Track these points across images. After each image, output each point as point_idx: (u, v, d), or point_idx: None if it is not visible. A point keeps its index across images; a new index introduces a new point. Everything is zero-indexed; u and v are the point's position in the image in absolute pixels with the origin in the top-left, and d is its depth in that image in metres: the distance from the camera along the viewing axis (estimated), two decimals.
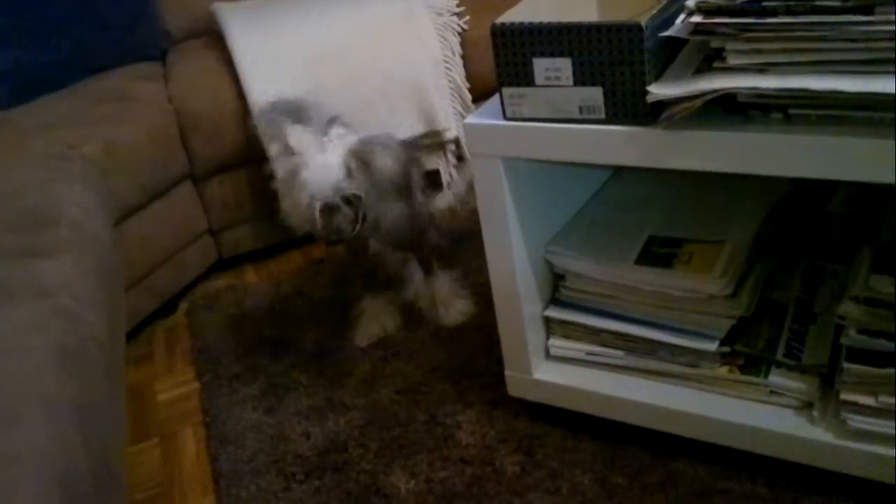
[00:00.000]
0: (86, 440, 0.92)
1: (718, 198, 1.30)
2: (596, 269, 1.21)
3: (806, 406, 1.08)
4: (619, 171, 1.45)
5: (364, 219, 1.38)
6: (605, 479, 1.17)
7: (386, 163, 1.39)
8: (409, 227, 1.50)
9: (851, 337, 1.01)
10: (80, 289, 1.18)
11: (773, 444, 1.08)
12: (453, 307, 1.60)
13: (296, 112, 1.40)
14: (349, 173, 1.35)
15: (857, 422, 1.01)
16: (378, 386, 1.47)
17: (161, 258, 1.82)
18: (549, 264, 1.26)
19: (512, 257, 1.17)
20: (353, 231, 1.36)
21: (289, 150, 1.38)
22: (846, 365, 1.01)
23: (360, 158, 1.36)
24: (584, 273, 1.23)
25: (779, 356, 1.11)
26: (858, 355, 1.00)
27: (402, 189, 1.46)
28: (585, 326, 1.23)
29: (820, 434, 1.04)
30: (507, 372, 1.29)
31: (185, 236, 1.88)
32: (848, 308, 1.01)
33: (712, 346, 1.12)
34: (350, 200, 1.35)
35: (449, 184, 2.00)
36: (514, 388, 1.30)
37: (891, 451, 0.99)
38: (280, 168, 1.41)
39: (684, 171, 0.99)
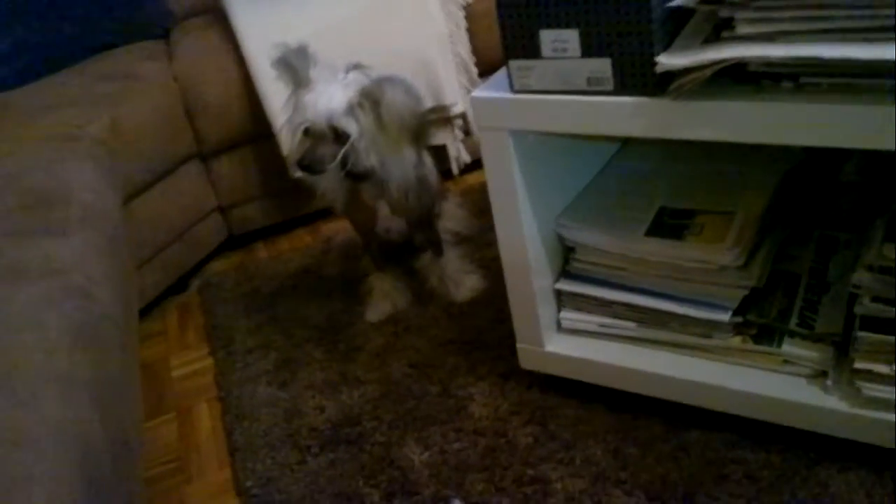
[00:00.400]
0: (102, 417, 0.93)
1: (729, 168, 1.29)
2: (606, 241, 1.21)
3: (819, 375, 1.08)
4: (628, 143, 1.44)
5: (347, 163, 1.32)
6: (619, 450, 1.17)
7: (396, 98, 1.30)
8: (419, 189, 1.45)
9: (865, 305, 1.00)
10: (92, 267, 1.19)
11: (786, 413, 1.08)
12: (464, 284, 1.60)
13: (306, 58, 1.36)
14: (352, 111, 1.31)
15: (872, 390, 1.00)
16: (390, 360, 1.48)
17: (171, 236, 1.83)
18: (560, 237, 1.25)
19: (522, 231, 1.16)
20: (324, 169, 1.29)
21: (305, 83, 1.33)
22: (860, 333, 1.00)
23: (371, 99, 1.31)
24: (594, 245, 1.22)
25: (792, 325, 1.10)
26: (872, 324, 1.00)
27: (414, 135, 1.38)
28: (596, 298, 1.23)
29: (834, 403, 1.04)
30: (518, 345, 1.29)
31: (195, 214, 1.89)
32: (861, 276, 1.00)
33: (725, 317, 1.11)
34: (339, 135, 1.30)
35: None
36: (527, 361, 1.30)
37: None
38: (288, 106, 1.38)
39: (694, 142, 0.99)
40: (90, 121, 1.66)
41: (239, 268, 1.91)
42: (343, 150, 1.32)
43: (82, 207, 1.33)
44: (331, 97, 1.31)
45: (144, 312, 1.77)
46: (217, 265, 1.97)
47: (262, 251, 2.00)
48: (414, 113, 1.34)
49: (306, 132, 1.32)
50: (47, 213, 1.29)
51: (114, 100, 1.75)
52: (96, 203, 1.38)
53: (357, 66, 1.37)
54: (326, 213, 2.03)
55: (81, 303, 1.09)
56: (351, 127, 1.32)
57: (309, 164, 1.31)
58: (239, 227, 2.00)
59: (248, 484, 1.27)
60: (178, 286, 1.88)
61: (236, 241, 2.02)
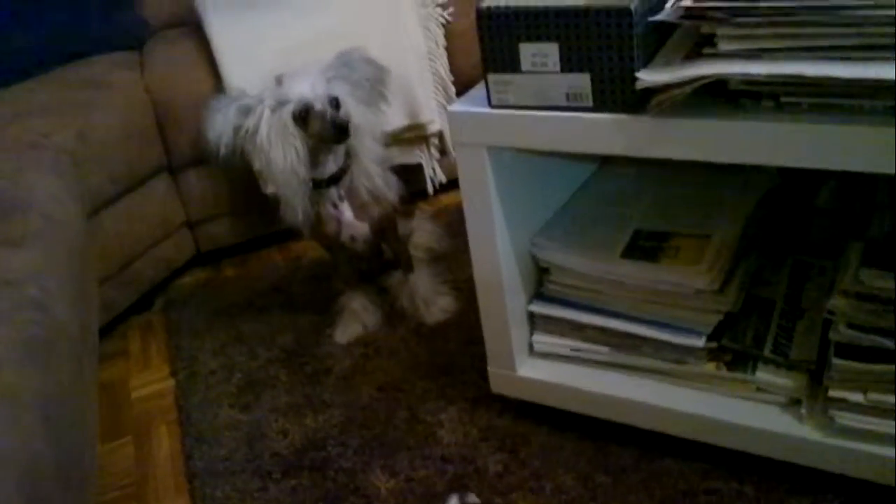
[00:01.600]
0: (52, 436, 0.88)
1: (706, 191, 1.28)
2: (581, 262, 1.19)
3: (793, 403, 1.06)
4: (605, 164, 1.42)
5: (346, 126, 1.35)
6: (589, 479, 1.14)
7: (363, 59, 1.43)
8: (383, 184, 1.45)
9: (840, 332, 0.99)
10: (49, 280, 1.14)
11: (760, 442, 1.05)
12: (435, 305, 1.57)
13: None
14: (328, 81, 1.37)
15: (846, 419, 0.99)
16: (358, 383, 1.44)
17: (137, 251, 1.78)
18: (534, 258, 1.23)
19: (496, 250, 1.14)
20: (343, 131, 1.33)
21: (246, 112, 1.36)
22: (835, 361, 0.99)
23: (341, 64, 1.39)
24: (569, 267, 1.20)
25: (766, 352, 1.09)
26: (847, 351, 0.98)
27: (377, 99, 1.46)
28: (570, 322, 1.21)
29: (808, 432, 1.02)
30: (490, 369, 1.26)
31: (162, 229, 1.84)
32: (837, 302, 0.99)
33: (699, 342, 1.09)
34: (333, 102, 1.35)
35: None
36: (498, 385, 1.27)
37: (880, 450, 0.97)
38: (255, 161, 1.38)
39: (671, 164, 0.97)
40: (57, 130, 1.62)
41: (206, 286, 1.87)
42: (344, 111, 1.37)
43: (42, 218, 1.28)
44: (312, 79, 1.35)
45: (107, 330, 1.71)
46: (183, 282, 1.92)
47: (230, 269, 1.95)
48: (380, 71, 1.44)
49: (306, 113, 1.33)
50: (5, 223, 1.24)
51: (83, 109, 1.71)
52: (58, 214, 1.34)
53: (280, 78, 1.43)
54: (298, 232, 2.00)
55: (35, 316, 1.04)
56: (339, 90, 1.37)
57: (345, 127, 1.33)
58: (207, 243, 1.95)
59: None
60: (143, 303, 1.83)
61: (204, 259, 1.98)
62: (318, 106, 1.33)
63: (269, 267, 1.91)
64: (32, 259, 1.17)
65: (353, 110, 1.38)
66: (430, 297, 1.57)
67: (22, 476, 0.78)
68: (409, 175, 2.00)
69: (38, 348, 0.99)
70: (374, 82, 1.44)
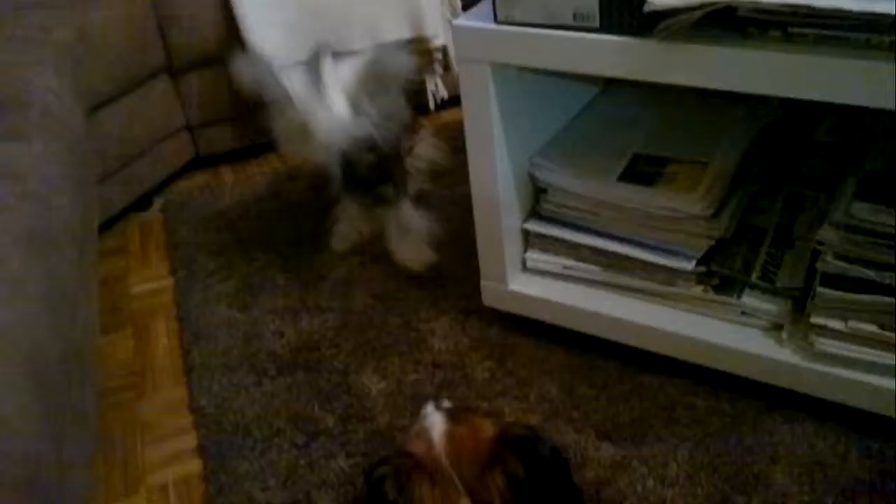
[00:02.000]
0: (54, 324, 0.91)
1: (707, 119, 1.28)
2: (579, 184, 1.20)
3: (776, 328, 1.10)
4: (608, 87, 1.42)
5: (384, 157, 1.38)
6: (573, 389, 1.19)
7: (401, 65, 1.38)
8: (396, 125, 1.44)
9: (828, 262, 1.01)
10: (50, 173, 1.15)
11: (740, 363, 1.10)
12: (411, 254, 1.50)
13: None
14: (358, 110, 1.34)
15: (825, 345, 1.02)
16: (353, 290, 1.47)
17: (136, 152, 1.78)
18: (532, 177, 1.25)
19: (495, 167, 1.15)
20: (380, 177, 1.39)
21: (286, 100, 1.34)
22: (819, 289, 1.02)
23: (374, 78, 1.35)
24: (566, 188, 1.21)
25: (753, 278, 1.12)
26: (832, 280, 1.01)
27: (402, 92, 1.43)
28: (564, 241, 1.23)
29: (787, 355, 1.06)
30: (482, 282, 1.29)
31: (161, 131, 1.84)
32: (827, 233, 1.01)
33: (689, 265, 1.12)
34: (371, 147, 1.36)
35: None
36: (490, 298, 1.30)
37: (856, 375, 1.01)
38: (279, 119, 1.38)
39: (674, 90, 0.97)
40: (56, 25, 1.59)
41: (204, 189, 1.88)
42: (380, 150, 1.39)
43: (42, 113, 1.28)
44: (335, 120, 1.33)
45: (105, 228, 1.73)
46: (182, 185, 1.93)
47: (228, 174, 1.96)
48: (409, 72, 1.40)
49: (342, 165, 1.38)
50: (5, 117, 1.24)
51: (82, 5, 1.68)
52: (57, 109, 1.33)
53: (317, 55, 1.37)
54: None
55: (37, 209, 1.06)
56: (369, 125, 1.35)
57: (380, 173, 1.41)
58: (206, 147, 1.95)
59: (203, 403, 1.27)
60: (141, 204, 1.84)
61: (202, 162, 1.98)
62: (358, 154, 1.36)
63: (268, 173, 1.91)
64: (33, 152, 1.17)
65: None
66: (408, 246, 1.51)
67: (28, 362, 0.81)
68: (412, 90, 2.00)
69: (40, 240, 1.01)
70: (403, 82, 1.42)
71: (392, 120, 1.40)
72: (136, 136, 1.77)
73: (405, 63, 1.38)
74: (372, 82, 1.35)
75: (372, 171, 1.54)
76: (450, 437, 0.73)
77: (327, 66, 1.36)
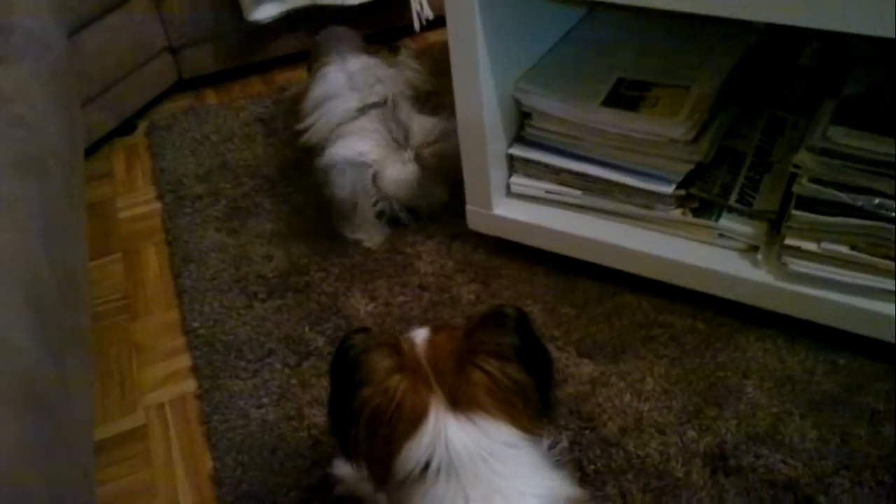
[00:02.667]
0: (48, 248, 0.93)
1: (690, 44, 1.29)
2: (563, 108, 1.21)
3: (751, 249, 1.13)
4: (592, 11, 1.41)
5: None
6: (555, 310, 1.23)
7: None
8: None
9: (803, 185, 1.04)
10: (37, 98, 1.14)
11: (716, 284, 1.13)
12: (366, 234, 1.43)
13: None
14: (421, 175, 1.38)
15: (798, 266, 1.06)
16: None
17: (118, 74, 1.76)
18: (517, 102, 1.25)
19: (480, 91, 1.16)
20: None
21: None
22: (794, 212, 1.05)
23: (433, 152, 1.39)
24: (550, 112, 1.22)
25: (731, 201, 1.14)
26: (807, 203, 1.04)
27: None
28: (547, 165, 1.25)
29: (761, 276, 1.10)
30: (468, 207, 1.31)
31: (143, 53, 1.81)
32: (803, 157, 1.04)
33: (669, 189, 1.15)
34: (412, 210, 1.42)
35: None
36: (475, 223, 1.33)
37: (826, 294, 1.05)
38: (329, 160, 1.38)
39: (659, 14, 0.97)
40: None
41: (188, 112, 1.86)
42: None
43: (25, 36, 1.26)
44: (402, 182, 1.38)
45: (90, 152, 1.72)
46: (166, 109, 1.91)
47: (212, 97, 1.95)
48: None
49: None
50: None
51: None
52: (40, 32, 1.31)
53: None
54: (282, 61, 1.97)
55: (24, 133, 1.06)
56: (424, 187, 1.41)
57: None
58: (189, 70, 1.93)
59: (195, 324, 1.30)
60: (125, 128, 1.83)
61: (186, 85, 1.96)
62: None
63: (252, 96, 1.90)
64: (18, 77, 1.16)
65: None
66: (367, 228, 1.45)
67: (27, 280, 0.83)
68: (395, 9, 1.97)
69: (30, 164, 1.02)
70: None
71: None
72: (118, 58, 1.75)
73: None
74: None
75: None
76: (430, 341, 0.76)
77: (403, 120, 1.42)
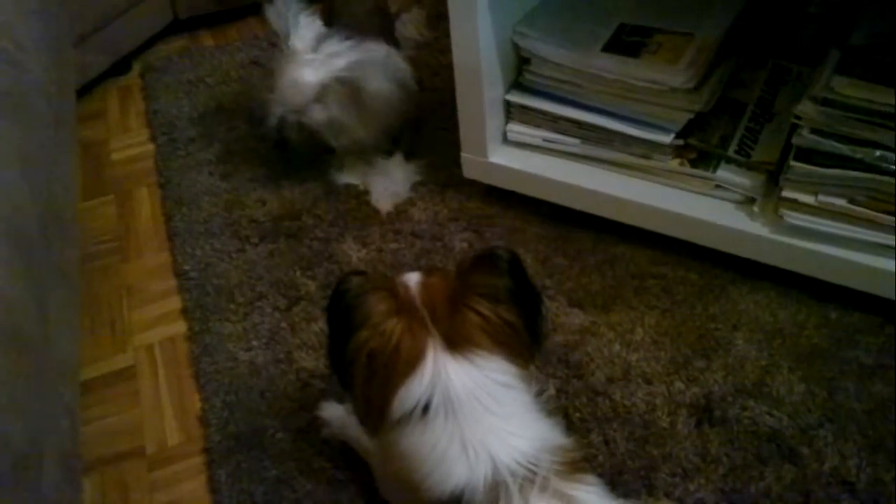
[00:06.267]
0: (31, 186, 0.91)
1: None
2: (562, 54, 1.18)
3: (748, 201, 1.11)
4: None
5: (323, 147, 1.37)
6: (548, 259, 1.22)
7: (380, 86, 1.32)
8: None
9: (804, 136, 1.02)
10: (22, 33, 1.12)
11: (711, 236, 1.12)
12: (384, 198, 1.39)
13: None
14: (323, 98, 1.31)
15: (794, 218, 1.05)
16: (334, 161, 1.46)
17: (112, 13, 1.72)
18: (515, 47, 1.22)
19: (477, 36, 1.13)
20: (304, 149, 1.37)
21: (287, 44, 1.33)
22: (793, 163, 1.03)
23: (349, 86, 1.30)
24: (549, 58, 1.20)
25: (730, 152, 1.12)
26: (807, 155, 1.02)
27: (400, 102, 1.37)
28: (545, 113, 1.22)
29: (757, 228, 1.08)
30: (463, 154, 1.29)
31: None
32: (805, 107, 1.01)
33: (667, 139, 1.12)
34: (309, 130, 1.34)
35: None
36: (470, 171, 1.31)
37: (822, 248, 1.04)
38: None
39: None
40: None
41: (183, 54, 1.83)
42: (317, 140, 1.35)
43: None
44: (300, 86, 1.31)
45: (84, 92, 1.70)
46: (161, 49, 1.88)
47: (208, 38, 1.91)
48: (400, 97, 1.35)
49: (282, 122, 1.34)
50: None
51: None
52: None
53: (326, 36, 1.33)
54: None
55: (9, 70, 1.03)
56: (319, 116, 1.32)
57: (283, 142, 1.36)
58: (185, 10, 1.89)
59: (186, 267, 1.29)
60: (120, 68, 1.80)
61: (182, 26, 1.92)
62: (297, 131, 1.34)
63: (248, 39, 1.86)
64: (3, 10, 1.13)
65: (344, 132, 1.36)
66: (385, 194, 1.40)
67: (5, 220, 0.82)
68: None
69: (12, 102, 1.00)
70: (394, 95, 1.36)
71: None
72: None
73: (382, 85, 1.32)
74: (343, 89, 1.32)
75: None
76: (424, 284, 0.77)
77: (327, 46, 1.33)
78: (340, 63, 1.30)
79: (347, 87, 1.31)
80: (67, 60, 1.36)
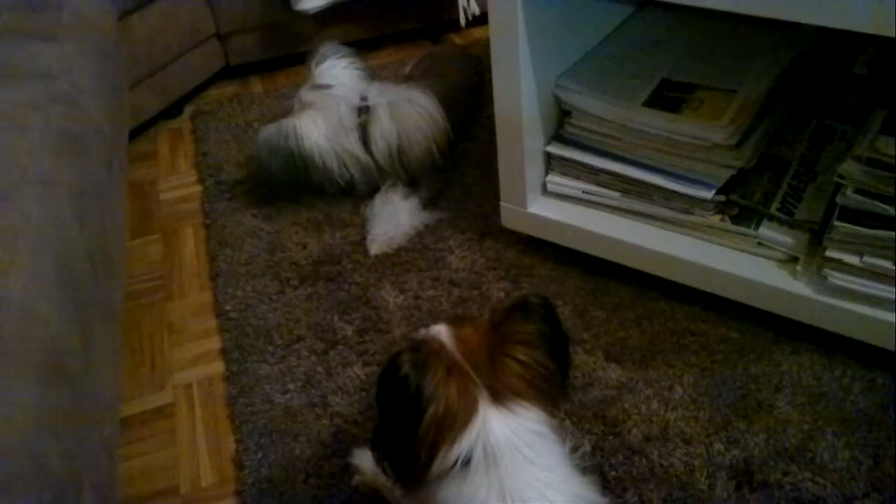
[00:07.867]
0: (82, 223, 0.95)
1: (739, 46, 1.26)
2: (604, 107, 1.19)
3: (791, 260, 1.10)
4: (640, 10, 1.39)
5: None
6: (585, 312, 1.21)
7: (408, 114, 1.45)
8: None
9: (847, 196, 1.01)
10: (80, 75, 1.17)
11: (753, 294, 1.10)
12: (379, 242, 1.40)
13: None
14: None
15: (839, 279, 1.03)
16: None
17: (166, 58, 1.79)
18: (557, 99, 1.24)
19: (520, 88, 1.14)
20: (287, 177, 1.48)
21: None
22: (837, 223, 1.01)
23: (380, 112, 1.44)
24: (591, 111, 1.21)
25: (772, 210, 1.11)
26: (851, 215, 1.01)
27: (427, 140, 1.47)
28: (585, 165, 1.23)
29: (800, 288, 1.06)
30: (502, 204, 1.30)
31: (192, 38, 1.84)
32: (849, 167, 1.00)
33: (709, 194, 1.12)
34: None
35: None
36: (508, 220, 1.31)
37: (867, 310, 1.02)
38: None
39: (708, 14, 0.95)
40: None
41: (234, 99, 1.89)
42: None
43: (73, 14, 1.29)
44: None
45: (136, 133, 1.76)
46: (212, 94, 1.94)
47: (257, 85, 1.96)
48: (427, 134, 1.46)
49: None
50: (37, 18, 1.25)
51: None
52: (89, 11, 1.34)
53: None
54: None
55: (68, 110, 1.08)
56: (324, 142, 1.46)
57: None
58: (237, 57, 1.95)
59: (227, 307, 1.31)
60: (172, 111, 1.86)
61: (232, 72, 1.98)
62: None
63: (297, 85, 1.90)
64: (64, 54, 1.18)
65: None
66: (382, 237, 1.41)
67: (55, 257, 0.84)
68: (442, 4, 1.96)
69: (70, 141, 1.04)
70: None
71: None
72: (167, 42, 1.77)
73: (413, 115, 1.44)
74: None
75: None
76: (458, 338, 0.76)
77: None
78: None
79: (376, 115, 1.41)
80: (123, 103, 1.41)
